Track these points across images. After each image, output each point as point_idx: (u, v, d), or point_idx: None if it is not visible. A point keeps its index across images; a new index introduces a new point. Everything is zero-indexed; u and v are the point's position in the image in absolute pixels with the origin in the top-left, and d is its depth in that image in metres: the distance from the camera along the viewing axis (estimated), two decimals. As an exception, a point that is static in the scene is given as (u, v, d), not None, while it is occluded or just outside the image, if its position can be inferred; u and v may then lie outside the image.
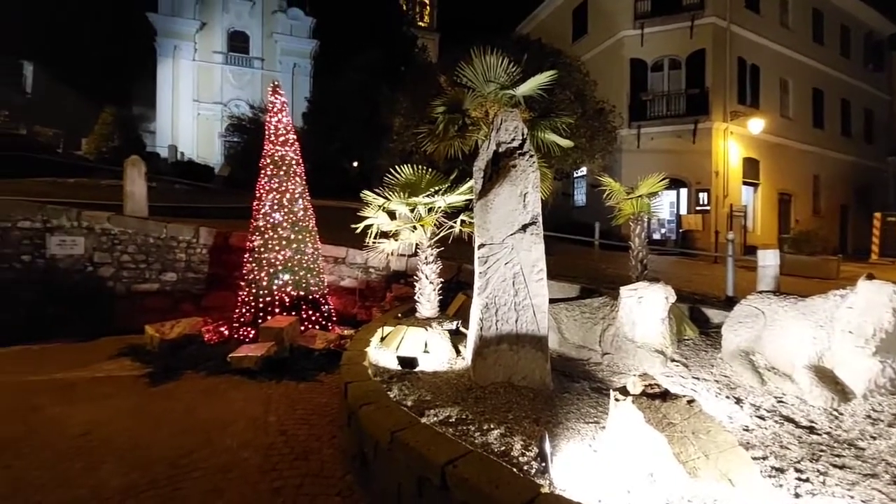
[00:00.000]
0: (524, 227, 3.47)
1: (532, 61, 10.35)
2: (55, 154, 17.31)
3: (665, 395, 2.42)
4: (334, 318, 6.29)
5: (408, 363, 3.74)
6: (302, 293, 5.90)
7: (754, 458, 2.36)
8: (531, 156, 3.57)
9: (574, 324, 4.41)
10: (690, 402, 2.42)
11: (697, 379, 3.64)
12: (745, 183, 15.87)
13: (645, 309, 4.07)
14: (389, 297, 6.62)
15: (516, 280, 3.44)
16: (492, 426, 2.70)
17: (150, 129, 32.55)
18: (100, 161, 17.97)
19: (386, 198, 4.51)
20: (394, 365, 3.88)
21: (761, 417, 2.93)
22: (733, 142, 15.36)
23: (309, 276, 6.00)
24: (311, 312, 5.92)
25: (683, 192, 15.58)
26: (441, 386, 3.41)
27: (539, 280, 3.43)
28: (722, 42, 15.25)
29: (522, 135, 3.64)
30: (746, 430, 2.77)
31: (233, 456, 3.02)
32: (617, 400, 2.50)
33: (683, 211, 15.51)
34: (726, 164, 15.21)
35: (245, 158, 22.07)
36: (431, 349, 4.18)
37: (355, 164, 22.85)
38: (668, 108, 15.38)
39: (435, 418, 2.76)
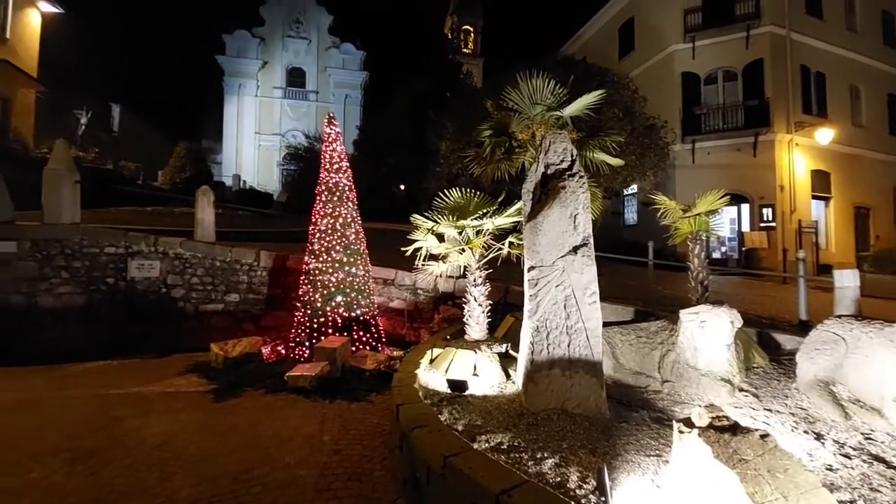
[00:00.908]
0: (575, 249, 3.42)
1: (578, 81, 10.31)
2: (136, 185, 19.10)
3: (735, 429, 2.26)
4: (384, 339, 6.41)
5: (457, 386, 3.73)
6: (353, 314, 6.08)
7: (840, 502, 2.15)
8: (581, 176, 3.54)
9: (630, 349, 4.23)
10: (764, 436, 2.25)
11: (770, 411, 3.37)
12: (814, 197, 14.75)
13: (708, 334, 3.85)
14: (437, 318, 6.67)
15: (568, 303, 3.38)
16: (546, 455, 2.63)
17: (217, 161, 35.22)
18: (173, 191, 19.65)
19: (435, 221, 4.61)
20: (443, 387, 3.89)
21: (847, 456, 2.67)
22: (799, 154, 14.39)
23: (360, 297, 6.18)
24: (361, 333, 6.07)
25: (745, 207, 14.70)
26: (492, 411, 3.37)
27: (592, 303, 3.35)
28: (782, 50, 14.50)
29: (571, 156, 3.63)
30: (830, 470, 2.53)
31: (290, 473, 3.12)
32: (681, 432, 2.37)
33: (746, 228, 14.60)
34: (792, 177, 14.23)
35: (300, 185, 23.33)
36: (481, 372, 4.16)
37: (402, 187, 23.52)
38: (725, 121, 14.71)
39: (487, 444, 2.73)
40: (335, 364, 5.21)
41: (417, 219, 4.80)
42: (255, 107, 35.81)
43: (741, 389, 3.82)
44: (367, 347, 6.04)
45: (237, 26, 35.27)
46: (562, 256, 3.41)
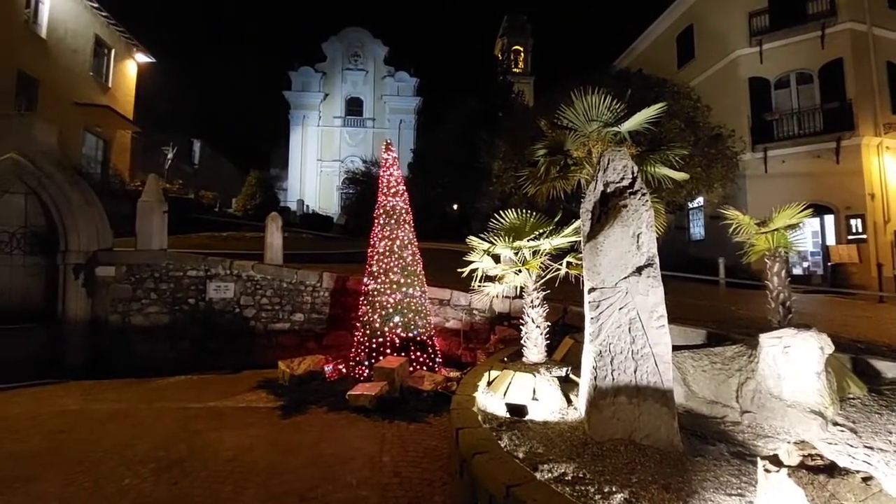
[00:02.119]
0: (639, 270, 3.28)
1: (635, 94, 10.05)
2: (213, 213, 20.79)
3: (832, 469, 2.04)
4: (439, 360, 6.44)
5: (517, 411, 3.66)
6: (410, 334, 6.17)
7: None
8: (643, 194, 3.42)
9: (703, 375, 3.95)
10: (867, 479, 2.01)
11: (871, 449, 3.01)
12: (914, 205, 13.15)
13: (793, 361, 3.52)
14: (494, 339, 6.61)
15: (633, 326, 3.23)
16: (614, 489, 2.49)
17: (283, 187, 37.62)
18: (245, 217, 21.16)
19: (491, 242, 4.62)
20: (502, 412, 3.82)
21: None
22: (891, 158, 12.97)
23: (417, 318, 6.28)
24: (418, 353, 6.14)
25: (829, 219, 13.40)
26: (553, 438, 3.27)
27: (660, 327, 3.19)
28: (864, 48, 13.31)
29: (632, 173, 3.52)
30: (952, 522, 2.19)
31: (353, 493, 3.19)
32: (767, 471, 2.17)
33: (831, 241, 13.28)
34: (884, 184, 12.83)
35: (357, 208, 24.31)
36: (540, 397, 4.05)
37: (455, 206, 23.81)
38: (801, 126, 13.63)
39: (549, 474, 2.64)
40: (394, 384, 5.30)
41: (473, 240, 4.83)
42: (317, 136, 38.07)
43: (835, 423, 3.44)
44: (424, 368, 6.08)
45: (302, 63, 37.94)
46: (625, 277, 3.28)
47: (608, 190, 3.58)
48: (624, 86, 11.59)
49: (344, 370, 6.34)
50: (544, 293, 4.80)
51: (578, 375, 4.42)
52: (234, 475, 3.51)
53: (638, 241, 3.33)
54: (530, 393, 4.08)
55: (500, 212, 4.84)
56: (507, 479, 2.29)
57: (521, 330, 6.84)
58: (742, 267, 12.69)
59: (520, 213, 4.76)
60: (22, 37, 15.14)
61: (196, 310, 7.62)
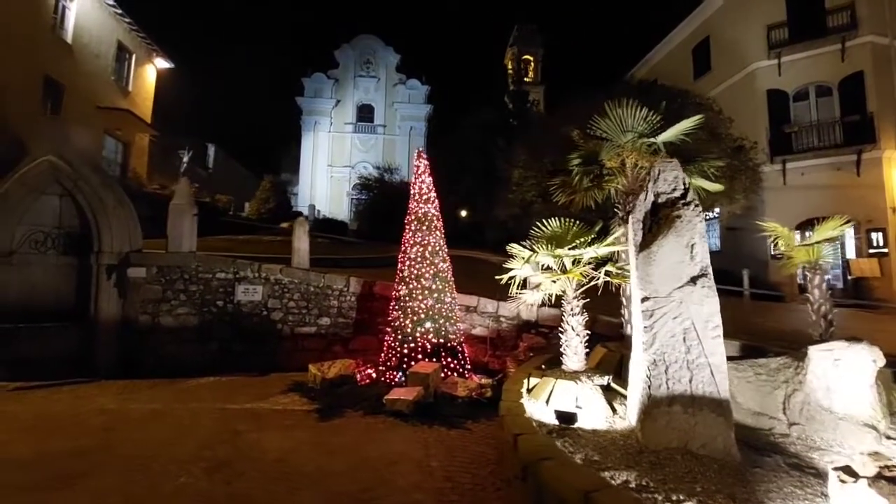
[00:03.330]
0: (693, 280, 3.31)
1: (658, 105, 10.06)
2: (228, 216, 20.98)
3: (915, 481, 2.05)
4: (468, 366, 6.46)
5: (566, 418, 3.68)
6: (441, 340, 6.20)
7: None
8: (696, 205, 3.46)
9: (748, 387, 3.95)
10: (952, 493, 2.01)
11: (933, 464, 2.98)
12: (936, 220, 13.06)
13: (843, 373, 3.53)
14: (523, 346, 6.62)
15: (687, 336, 3.26)
16: (681, 498, 2.51)
17: (294, 192, 37.88)
18: (260, 221, 21.36)
19: (532, 250, 4.66)
20: (548, 419, 3.84)
21: None
22: (914, 172, 12.92)
23: (448, 324, 6.31)
24: (449, 360, 6.16)
25: (849, 232, 13.31)
26: (606, 446, 3.29)
27: (715, 337, 3.21)
28: (885, 61, 13.31)
29: (684, 184, 3.56)
30: None
31: (408, 498, 3.21)
32: (843, 482, 2.19)
33: (852, 255, 13.21)
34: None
35: (371, 214, 24.45)
36: (584, 405, 4.06)
37: (463, 213, 23.85)
38: (821, 138, 13.62)
39: (613, 482, 2.66)
40: (428, 389, 5.32)
41: (514, 247, 4.88)
42: (328, 141, 38.35)
43: (888, 437, 3.43)
44: (455, 374, 6.11)
45: (314, 70, 38.36)
46: (679, 287, 3.31)
47: (659, 200, 3.62)
48: (646, 96, 11.67)
49: (374, 375, 6.36)
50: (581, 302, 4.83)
51: (619, 384, 4.45)
52: (285, 476, 3.54)
53: (692, 252, 3.36)
54: (573, 401, 4.10)
55: (543, 220, 4.88)
56: (585, 485, 2.31)
57: (548, 338, 6.86)
58: (761, 279, 12.64)
59: (563, 222, 4.80)
60: (49, 42, 15.45)
61: (224, 312, 7.69)
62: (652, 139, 5.53)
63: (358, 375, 6.29)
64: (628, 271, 4.66)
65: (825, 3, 13.94)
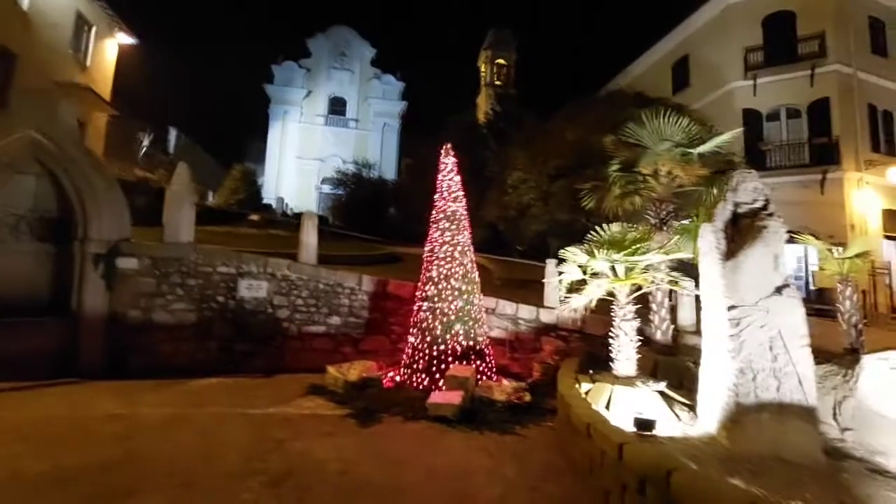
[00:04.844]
0: (779, 290, 3.38)
1: (651, 110, 10.38)
2: (197, 206, 19.73)
3: None
4: (495, 370, 6.36)
5: (645, 425, 3.64)
6: (471, 343, 6.07)
7: None
8: (780, 216, 3.54)
9: (803, 393, 4.09)
10: None
11: None
12: (887, 237, 14.33)
13: (899, 381, 3.72)
14: (548, 349, 6.59)
15: (774, 345, 3.32)
16: (806, 505, 2.53)
17: (259, 183, 36.24)
18: (230, 212, 20.23)
19: (591, 254, 4.62)
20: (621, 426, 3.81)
21: None
22: (870, 192, 14.12)
23: (476, 326, 6.19)
24: (478, 363, 6.04)
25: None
26: (695, 454, 3.28)
27: (803, 346, 3.29)
28: (848, 89, 14.46)
29: (765, 195, 3.64)
30: None
31: (504, 510, 3.07)
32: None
33: (814, 266, 14.22)
34: (863, 216, 13.91)
35: (346, 210, 23.79)
36: (646, 411, 4.06)
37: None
38: (790, 157, 14.60)
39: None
40: (467, 393, 5.18)
41: (567, 252, 4.83)
42: (298, 133, 37.06)
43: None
44: (484, 377, 5.99)
45: (285, 57, 36.94)
46: (766, 297, 3.37)
47: (739, 210, 3.68)
48: (643, 108, 12.03)
49: (398, 377, 6.14)
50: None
51: (673, 389, 4.50)
52: (359, 490, 3.30)
53: (777, 262, 3.43)
54: (635, 407, 4.09)
55: (604, 225, 4.87)
56: (738, 499, 2.26)
57: (568, 341, 6.87)
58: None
59: (623, 226, 4.81)
60: (2, 5, 13.94)
61: (226, 308, 7.17)
62: (690, 150, 5.68)
63: (384, 379, 6.03)
64: (674, 277, 4.74)
65: (797, 32, 14.96)
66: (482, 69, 48.19)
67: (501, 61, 47.57)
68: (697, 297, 4.42)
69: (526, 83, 46.87)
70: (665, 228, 5.82)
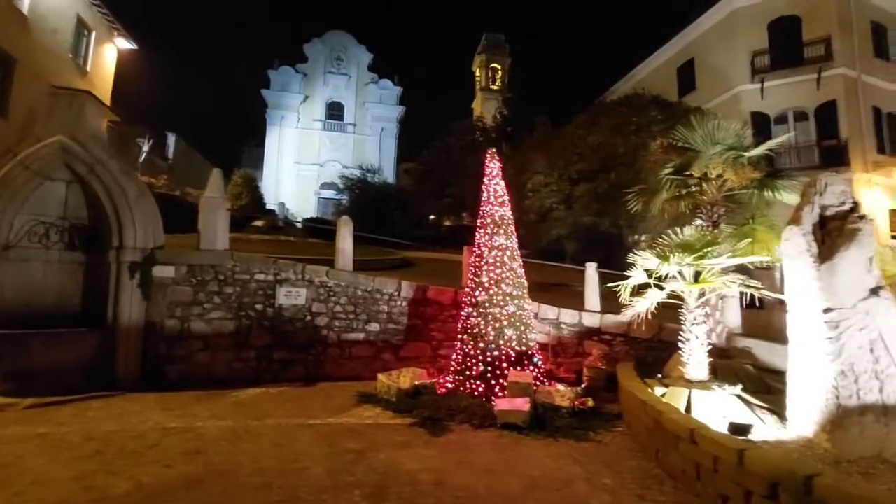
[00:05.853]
0: (875, 291, 3.39)
1: (673, 118, 10.52)
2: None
3: None
4: (545, 375, 6.31)
5: (740, 430, 3.62)
6: (522, 349, 6.02)
7: None
8: (870, 220, 3.55)
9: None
10: None
11: None
12: (894, 237, 14.61)
13: None
14: (595, 354, 6.55)
15: (875, 347, 3.32)
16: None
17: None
18: (233, 217, 19.92)
19: (664, 258, 4.61)
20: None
21: None
22: (878, 193, 14.40)
23: (527, 331, 6.14)
24: (530, 368, 5.98)
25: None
26: (798, 457, 3.26)
27: (905, 347, 3.29)
28: (854, 92, 14.76)
29: (852, 198, 3.65)
30: None
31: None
32: None
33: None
34: (872, 215, 14.19)
35: (353, 214, 23.59)
36: (728, 414, 4.05)
37: (431, 217, 23.36)
38: (800, 159, 14.82)
39: None
40: (532, 400, 5.12)
41: (636, 256, 4.82)
42: (295, 138, 36.83)
43: None
44: (538, 383, 5.94)
45: (282, 62, 36.73)
46: (863, 299, 3.38)
47: (826, 213, 3.69)
48: (664, 110, 12.16)
49: (449, 384, 6.06)
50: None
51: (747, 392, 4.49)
52: (466, 502, 3.22)
53: (870, 264, 3.45)
54: (717, 411, 4.08)
55: (672, 230, 4.86)
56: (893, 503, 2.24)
57: (612, 346, 6.86)
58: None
59: (697, 230, 4.80)
60: (2, 9, 13.64)
61: (263, 316, 7.02)
62: (743, 153, 5.72)
63: (438, 386, 5.95)
64: (744, 281, 4.74)
65: (803, 36, 15.25)
66: (477, 73, 48.41)
67: (496, 65, 47.82)
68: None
69: (524, 87, 47.01)
70: (717, 231, 5.85)
